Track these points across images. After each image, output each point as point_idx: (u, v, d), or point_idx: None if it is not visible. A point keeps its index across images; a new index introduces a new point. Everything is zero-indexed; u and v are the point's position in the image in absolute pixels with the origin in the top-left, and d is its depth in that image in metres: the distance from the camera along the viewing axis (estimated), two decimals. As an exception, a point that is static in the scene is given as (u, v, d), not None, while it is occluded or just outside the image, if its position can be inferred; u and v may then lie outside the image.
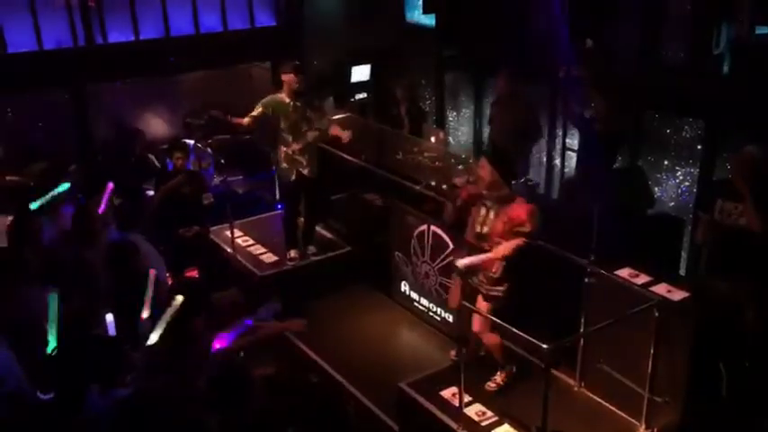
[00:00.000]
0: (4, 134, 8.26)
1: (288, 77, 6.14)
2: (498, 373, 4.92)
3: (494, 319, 4.47)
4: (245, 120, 6.22)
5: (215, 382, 3.63)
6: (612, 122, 5.84)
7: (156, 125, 9.49)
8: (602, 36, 7.04)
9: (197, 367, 3.83)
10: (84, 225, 5.17)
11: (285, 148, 6.29)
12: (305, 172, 6.33)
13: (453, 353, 5.22)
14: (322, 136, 6.35)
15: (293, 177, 6.35)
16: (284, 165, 6.35)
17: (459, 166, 5.97)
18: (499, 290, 4.63)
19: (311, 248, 6.71)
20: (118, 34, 8.38)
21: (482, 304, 4.68)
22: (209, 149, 8.26)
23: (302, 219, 6.75)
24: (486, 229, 4.54)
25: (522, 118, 7.12)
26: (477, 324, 4.77)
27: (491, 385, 4.88)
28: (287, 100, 6.18)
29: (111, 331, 4.32)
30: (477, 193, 4.64)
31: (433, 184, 6.00)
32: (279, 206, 6.82)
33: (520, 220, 4.41)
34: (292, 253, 6.63)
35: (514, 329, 4.00)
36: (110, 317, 4.36)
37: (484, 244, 4.56)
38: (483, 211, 4.58)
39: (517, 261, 4.50)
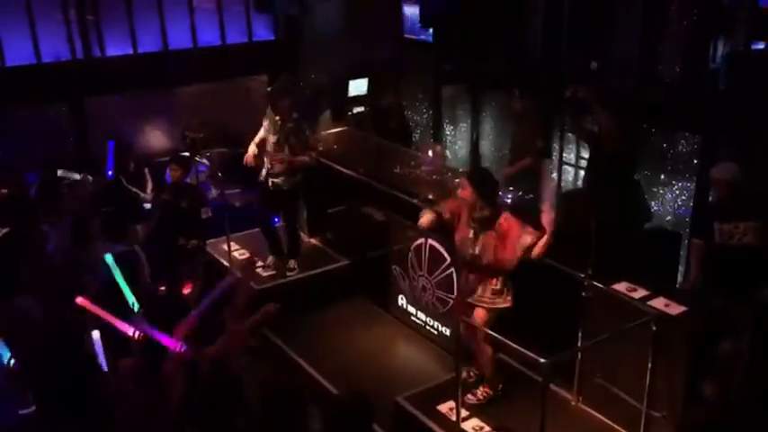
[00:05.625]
0: (1, 146, 8.25)
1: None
2: (481, 387, 4.88)
3: (489, 332, 4.47)
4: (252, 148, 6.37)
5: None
6: (618, 140, 5.88)
7: (155, 138, 9.49)
8: (600, 51, 7.07)
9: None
10: (82, 232, 5.19)
11: (265, 158, 6.35)
12: (278, 181, 6.34)
13: (465, 373, 4.99)
14: (293, 161, 6.27)
15: (270, 186, 6.37)
16: (263, 172, 6.39)
17: (456, 180, 5.97)
18: (500, 301, 4.65)
19: (291, 263, 6.65)
20: (116, 48, 8.41)
21: (479, 316, 4.67)
22: (206, 162, 8.26)
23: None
24: (478, 250, 4.57)
25: (531, 134, 7.10)
26: (474, 335, 4.76)
27: (470, 398, 4.82)
28: (276, 116, 6.25)
29: (99, 349, 4.29)
30: (458, 211, 4.67)
31: (431, 197, 6.00)
32: (276, 219, 6.81)
33: (516, 235, 4.43)
34: (268, 259, 6.68)
35: (512, 343, 3.99)
36: (96, 334, 4.33)
37: (478, 264, 4.59)
38: (471, 234, 4.62)
39: (515, 272, 4.55)
